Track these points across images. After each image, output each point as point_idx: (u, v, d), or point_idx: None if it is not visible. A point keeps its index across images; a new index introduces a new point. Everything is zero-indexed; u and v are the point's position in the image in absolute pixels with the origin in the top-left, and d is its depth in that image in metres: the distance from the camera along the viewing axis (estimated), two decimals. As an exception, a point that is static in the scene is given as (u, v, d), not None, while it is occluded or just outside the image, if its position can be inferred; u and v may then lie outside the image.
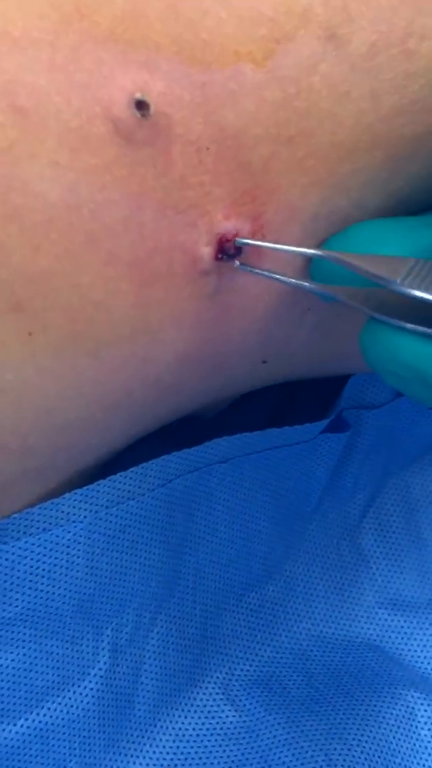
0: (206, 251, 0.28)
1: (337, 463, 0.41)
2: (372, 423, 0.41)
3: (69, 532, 0.32)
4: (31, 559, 0.32)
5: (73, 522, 0.32)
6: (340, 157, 0.28)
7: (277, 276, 0.29)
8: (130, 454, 0.35)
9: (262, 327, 0.32)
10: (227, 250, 0.29)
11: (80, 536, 0.33)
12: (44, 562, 0.32)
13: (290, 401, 0.42)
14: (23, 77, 0.24)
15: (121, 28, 0.25)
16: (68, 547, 0.32)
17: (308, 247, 0.29)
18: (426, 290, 0.25)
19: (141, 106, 0.25)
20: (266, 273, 0.29)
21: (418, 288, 0.25)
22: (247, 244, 0.28)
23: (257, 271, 0.29)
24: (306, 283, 0.28)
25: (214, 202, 0.28)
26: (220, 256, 0.29)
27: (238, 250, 0.29)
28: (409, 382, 0.27)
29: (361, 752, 0.37)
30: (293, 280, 0.28)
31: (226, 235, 0.28)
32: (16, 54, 0.24)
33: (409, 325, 0.26)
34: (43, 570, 0.32)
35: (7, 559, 0.31)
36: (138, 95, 0.25)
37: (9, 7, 0.24)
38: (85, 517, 0.33)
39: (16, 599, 0.32)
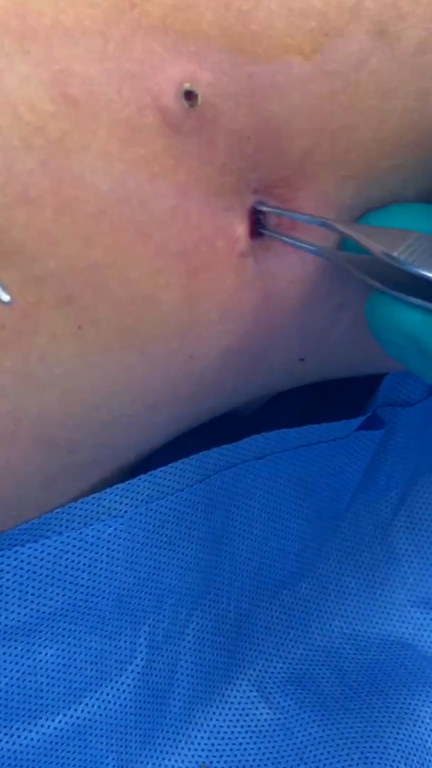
0: (241, 229, 0.29)
1: (370, 461, 0.41)
2: (406, 421, 0.41)
3: (110, 526, 0.32)
4: (73, 554, 0.32)
5: (114, 517, 0.32)
6: (381, 153, 0.28)
7: (290, 240, 0.29)
8: (166, 450, 0.35)
9: (298, 321, 0.32)
10: (258, 224, 0.29)
11: (120, 531, 0.32)
12: (85, 557, 0.32)
13: (324, 399, 0.41)
14: (75, 67, 0.24)
15: (171, 18, 0.25)
16: (109, 542, 0.32)
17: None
18: (419, 265, 0.25)
19: (189, 96, 0.26)
20: (285, 238, 0.29)
21: (411, 262, 0.25)
22: (264, 210, 0.29)
23: (278, 236, 0.29)
24: (311, 246, 0.29)
25: (247, 185, 0.28)
26: (254, 231, 0.29)
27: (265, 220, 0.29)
28: (407, 352, 0.27)
29: (398, 750, 0.37)
30: (305, 245, 0.29)
31: (255, 207, 0.29)
32: (68, 44, 0.24)
33: (410, 298, 0.26)
34: (84, 565, 0.32)
35: (49, 554, 0.31)
36: (187, 85, 0.25)
37: None
38: (125, 512, 0.32)
39: (57, 594, 0.32)
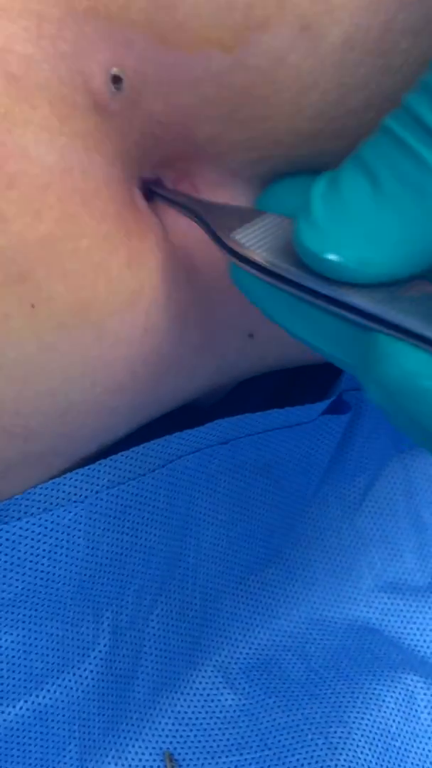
0: (139, 199, 0.30)
1: (337, 446, 0.41)
2: (373, 405, 0.41)
3: (70, 512, 0.32)
4: (32, 539, 0.31)
5: (75, 502, 0.32)
6: (296, 142, 0.29)
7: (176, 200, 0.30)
8: (129, 439, 0.35)
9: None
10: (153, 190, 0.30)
11: (81, 516, 0.32)
12: (45, 543, 0.32)
13: (289, 386, 0.41)
14: (13, 45, 0.25)
15: (101, 4, 0.25)
16: (69, 527, 0.32)
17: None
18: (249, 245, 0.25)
19: (116, 80, 0.26)
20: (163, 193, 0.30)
21: (245, 243, 0.25)
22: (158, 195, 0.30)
23: (160, 192, 0.30)
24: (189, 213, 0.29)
25: (149, 159, 0.29)
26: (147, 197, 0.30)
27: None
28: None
29: (362, 736, 0.37)
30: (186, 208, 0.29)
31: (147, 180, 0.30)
32: (6, 22, 0.25)
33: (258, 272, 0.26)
34: (44, 551, 0.32)
35: (8, 539, 0.31)
36: (114, 70, 0.26)
37: None
38: (86, 497, 0.32)
39: (17, 580, 0.31)
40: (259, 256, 0.25)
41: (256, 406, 0.40)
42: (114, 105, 0.27)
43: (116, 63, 0.26)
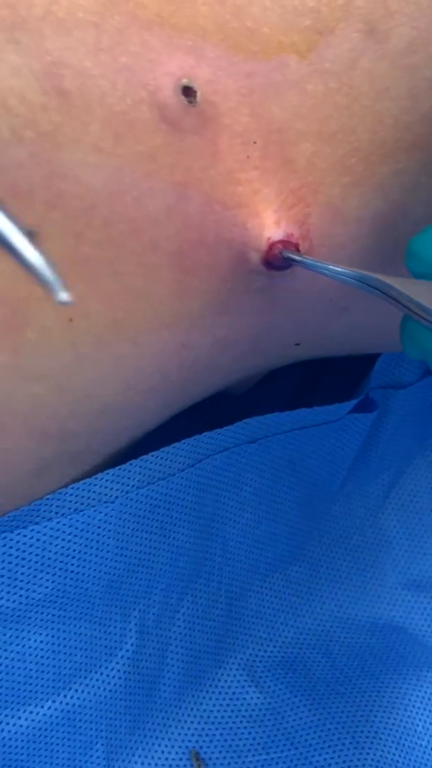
0: (255, 256, 0.28)
1: (362, 443, 0.40)
2: (399, 403, 0.41)
3: (100, 512, 0.32)
4: (63, 540, 0.31)
5: (105, 503, 0.32)
6: (380, 157, 0.28)
7: (326, 270, 0.27)
8: (159, 431, 0.35)
9: (299, 317, 0.31)
10: (274, 261, 0.28)
11: (111, 517, 0.32)
12: (76, 543, 0.31)
13: (318, 379, 0.41)
14: (68, 59, 0.23)
15: (167, 12, 0.24)
16: (99, 527, 0.32)
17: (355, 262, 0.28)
18: None
19: (188, 92, 0.25)
20: (313, 262, 0.28)
21: None
22: (293, 260, 0.27)
23: (300, 259, 0.28)
24: (350, 277, 0.27)
25: (263, 203, 0.27)
26: (268, 264, 0.28)
27: (286, 261, 0.28)
28: None
29: (388, 735, 0.37)
30: (342, 274, 0.27)
31: (276, 245, 0.28)
32: (61, 35, 0.23)
33: None
34: (74, 551, 0.31)
35: (38, 540, 0.30)
36: (185, 81, 0.25)
37: None
38: (116, 497, 0.32)
39: (47, 580, 0.31)
40: None
41: (284, 397, 0.40)
42: (188, 120, 0.25)
43: (186, 74, 0.25)
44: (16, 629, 0.31)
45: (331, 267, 0.27)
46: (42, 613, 0.32)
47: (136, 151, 0.25)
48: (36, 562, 0.31)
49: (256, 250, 0.28)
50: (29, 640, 0.32)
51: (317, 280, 0.29)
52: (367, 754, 0.36)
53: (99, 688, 0.34)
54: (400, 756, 0.36)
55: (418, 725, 0.37)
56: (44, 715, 0.33)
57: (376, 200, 0.29)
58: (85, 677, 0.33)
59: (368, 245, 0.30)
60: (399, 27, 0.26)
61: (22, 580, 0.31)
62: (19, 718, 0.32)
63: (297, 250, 0.28)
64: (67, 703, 0.33)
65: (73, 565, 0.32)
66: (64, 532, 0.31)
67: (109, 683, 0.34)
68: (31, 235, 0.20)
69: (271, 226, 0.28)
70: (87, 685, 0.34)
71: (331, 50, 0.26)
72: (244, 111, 0.26)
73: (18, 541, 0.30)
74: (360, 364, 0.40)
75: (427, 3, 0.26)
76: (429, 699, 0.38)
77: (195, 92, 0.25)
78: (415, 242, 0.27)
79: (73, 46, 0.23)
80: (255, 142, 0.26)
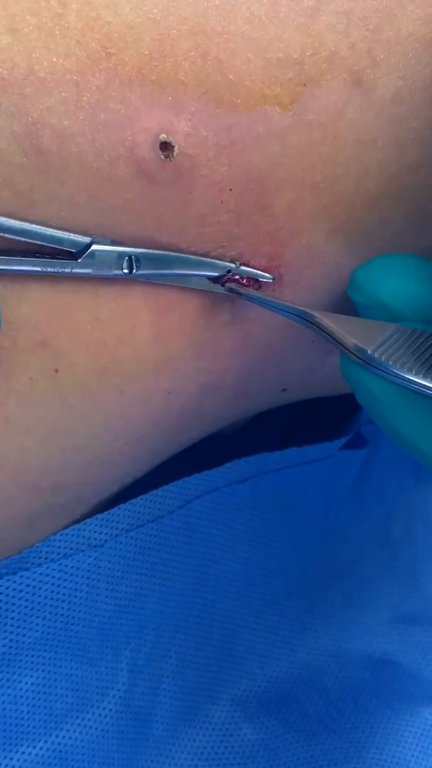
0: (219, 288, 0.29)
1: (355, 479, 0.41)
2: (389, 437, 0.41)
3: (90, 557, 0.32)
4: (52, 584, 0.31)
5: (94, 547, 0.32)
6: (366, 206, 0.28)
7: (268, 303, 0.28)
8: (148, 474, 0.35)
9: (281, 360, 0.32)
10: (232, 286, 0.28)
11: (101, 561, 0.32)
12: (65, 587, 0.32)
13: (308, 417, 0.41)
14: (47, 119, 0.24)
15: (148, 68, 0.24)
16: (89, 571, 0.32)
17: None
18: (392, 362, 0.25)
19: (165, 147, 0.25)
20: (253, 295, 0.28)
21: (382, 359, 0.25)
22: (237, 293, 0.28)
23: (244, 292, 0.28)
24: (290, 311, 0.28)
25: (232, 240, 0.28)
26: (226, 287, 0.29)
27: (253, 284, 0.28)
28: (373, 413, 0.27)
29: (380, 771, 0.37)
30: (283, 308, 0.28)
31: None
32: (42, 95, 0.24)
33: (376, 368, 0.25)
34: (64, 594, 0.32)
35: (27, 585, 0.31)
36: (163, 137, 0.25)
37: (35, 46, 0.23)
38: (105, 541, 0.32)
39: (36, 624, 0.32)
40: (405, 371, 0.25)
41: (275, 436, 0.40)
42: (164, 174, 0.25)
43: (165, 129, 0.25)
44: (7, 672, 0.32)
45: (272, 300, 0.28)
46: (32, 656, 0.32)
47: (109, 205, 0.26)
48: (26, 607, 0.31)
49: (221, 282, 0.28)
50: (20, 682, 0.32)
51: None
52: (359, 790, 0.36)
53: (91, 727, 0.34)
54: (392, 793, 0.36)
55: (410, 762, 0.37)
56: (36, 755, 0.33)
57: (359, 247, 0.29)
58: (77, 717, 0.34)
59: (344, 291, 0.30)
60: (385, 77, 0.26)
61: (12, 625, 0.31)
62: (11, 759, 0.32)
63: (256, 282, 0.28)
64: (60, 743, 0.33)
65: (63, 608, 0.32)
66: (53, 576, 0.31)
67: (101, 722, 0.34)
68: None
69: (234, 256, 0.28)
70: (79, 725, 0.34)
71: (316, 101, 0.26)
72: (222, 161, 0.26)
73: (8, 587, 0.31)
74: (351, 401, 0.40)
75: (412, 53, 0.26)
76: (422, 736, 0.38)
77: (173, 147, 0.25)
78: (358, 272, 0.28)
79: (53, 106, 0.24)
80: (231, 189, 0.27)
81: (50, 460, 0.28)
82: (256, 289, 0.29)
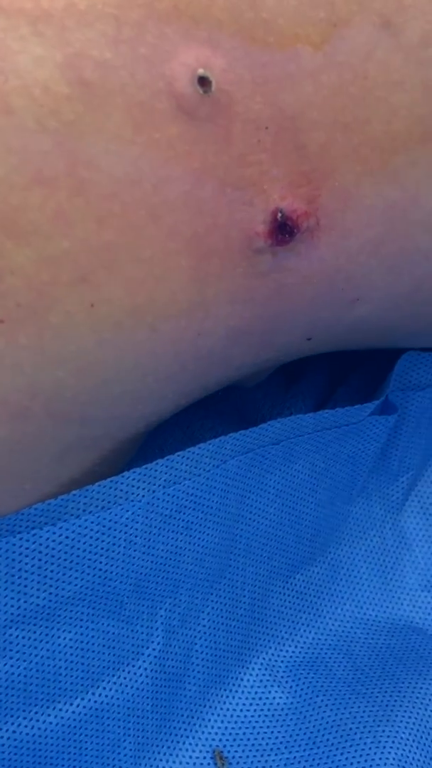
0: (261, 229, 0.29)
1: (383, 446, 0.41)
2: (417, 404, 0.41)
3: (127, 510, 0.32)
4: (91, 537, 0.32)
5: (131, 501, 0.32)
6: (394, 147, 0.29)
7: None
8: (180, 429, 0.35)
9: (309, 308, 0.32)
10: (282, 230, 0.29)
11: (138, 515, 0.32)
12: (103, 541, 0.32)
13: (337, 381, 0.42)
14: (89, 50, 0.24)
15: (184, 4, 0.25)
16: (126, 525, 0.32)
17: None
18: None
19: (203, 82, 0.26)
20: None
21: None
22: None
23: None
24: None
25: (270, 182, 0.28)
26: (274, 235, 0.29)
27: (292, 230, 0.29)
28: None
29: (409, 734, 0.37)
30: None
31: (282, 212, 0.29)
32: (82, 27, 0.24)
33: None
34: (102, 549, 0.32)
35: (67, 537, 0.31)
36: (201, 71, 0.26)
37: None
38: (143, 496, 0.32)
39: (76, 578, 0.32)
40: None
41: (304, 399, 0.40)
42: (203, 109, 0.26)
43: (202, 64, 0.25)
44: (46, 627, 0.32)
45: None
46: (71, 611, 0.32)
47: (154, 139, 0.26)
48: (65, 560, 0.31)
49: (262, 223, 0.28)
50: (59, 638, 0.32)
51: (324, 265, 0.29)
52: (389, 753, 0.36)
53: (126, 686, 0.34)
54: (420, 754, 0.37)
55: (439, 724, 0.37)
56: (73, 712, 0.33)
57: (388, 189, 0.30)
58: (113, 675, 0.34)
59: (378, 233, 0.30)
60: (413, 20, 0.27)
61: (51, 578, 0.31)
62: (49, 715, 0.32)
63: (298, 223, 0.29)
64: (96, 701, 0.33)
65: (101, 563, 0.32)
66: (91, 529, 0.31)
67: (136, 681, 0.34)
68: None
69: (276, 200, 0.28)
70: (115, 683, 0.34)
71: (346, 42, 0.27)
72: (257, 99, 0.27)
73: (47, 538, 0.31)
74: (380, 367, 0.40)
75: None
76: (450, 698, 0.38)
77: (210, 82, 0.26)
78: None
79: (94, 38, 0.24)
80: (267, 128, 0.27)
81: (82, 392, 0.29)
82: (295, 236, 0.29)
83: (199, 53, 0.26)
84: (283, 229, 0.29)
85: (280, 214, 0.29)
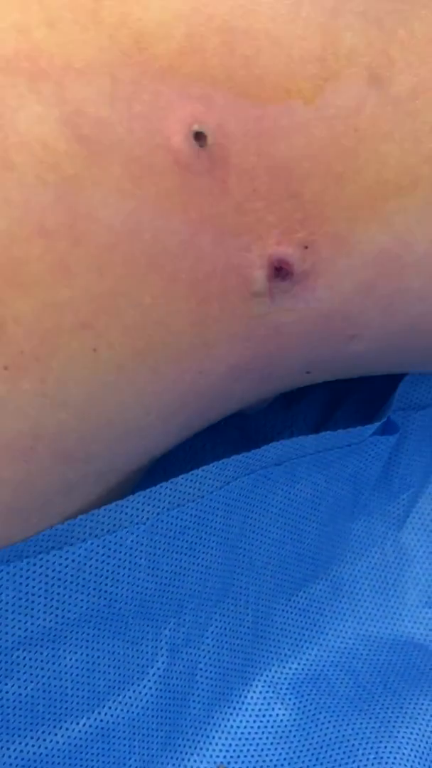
0: (259, 274, 0.29)
1: (384, 465, 0.41)
2: (418, 423, 0.42)
3: (132, 533, 0.33)
4: (97, 560, 0.32)
5: (136, 524, 0.33)
6: (384, 195, 0.30)
7: None
8: (183, 453, 0.36)
9: (308, 346, 0.33)
10: (278, 275, 0.29)
11: (143, 538, 0.33)
12: (109, 564, 0.32)
13: (338, 403, 0.42)
14: (87, 108, 0.25)
15: (178, 62, 0.26)
16: (131, 548, 0.33)
17: None
18: None
19: (199, 137, 0.27)
20: None
21: None
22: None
23: None
24: None
25: (267, 228, 0.29)
26: (271, 279, 0.30)
27: (289, 275, 0.29)
28: None
29: (411, 749, 0.37)
30: None
31: (279, 258, 0.29)
32: (80, 85, 0.25)
33: None
34: (108, 571, 0.32)
35: (73, 561, 0.31)
36: (196, 127, 0.26)
37: (72, 40, 0.25)
38: (147, 518, 0.33)
39: (82, 600, 0.32)
40: None
41: (306, 424, 0.41)
42: (199, 163, 0.27)
43: (197, 120, 0.26)
44: (53, 648, 0.32)
45: None
46: (77, 633, 0.33)
47: (152, 193, 0.27)
48: (72, 583, 0.32)
49: (259, 268, 0.29)
50: (65, 659, 0.33)
51: (320, 306, 0.30)
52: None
53: (132, 705, 0.35)
54: (423, 770, 0.37)
55: (440, 740, 0.38)
56: (80, 731, 0.33)
57: (380, 235, 0.30)
58: (119, 695, 0.34)
59: (372, 276, 0.31)
60: (400, 75, 0.28)
61: (58, 600, 0.32)
62: (56, 734, 0.33)
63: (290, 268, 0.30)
64: (102, 720, 0.34)
65: (106, 585, 0.33)
66: (97, 552, 0.32)
67: (141, 700, 0.35)
68: None
69: (273, 246, 0.29)
70: (120, 702, 0.35)
71: (337, 96, 0.28)
72: (252, 151, 0.27)
73: (54, 562, 0.31)
74: (382, 387, 0.41)
75: (426, 52, 0.28)
76: (451, 714, 0.39)
77: (205, 137, 0.27)
78: None
79: (91, 96, 0.25)
80: (262, 178, 0.28)
81: (85, 432, 0.29)
82: (291, 279, 0.30)
83: (194, 109, 0.26)
84: (280, 274, 0.29)
85: (276, 260, 0.29)
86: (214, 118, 0.27)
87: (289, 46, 0.27)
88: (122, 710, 0.34)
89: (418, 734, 0.38)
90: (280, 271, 0.29)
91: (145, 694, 0.35)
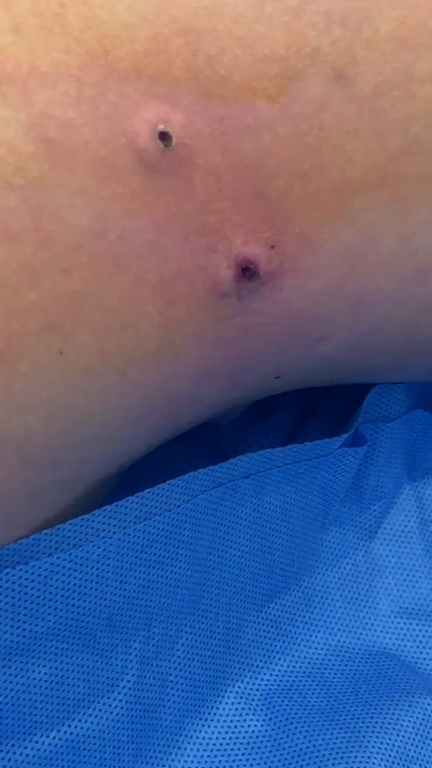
0: (226, 274, 0.30)
1: (354, 476, 0.42)
2: (387, 436, 0.42)
3: (99, 547, 0.33)
4: (63, 575, 0.32)
5: (103, 538, 0.33)
6: (350, 193, 0.30)
7: None
8: (153, 464, 0.36)
9: (276, 348, 0.33)
10: (245, 275, 0.30)
11: (110, 551, 0.33)
12: (75, 577, 0.33)
13: (308, 417, 0.42)
14: (52, 111, 0.26)
15: (143, 63, 0.26)
16: (98, 562, 0.33)
17: None
18: None
19: (164, 137, 0.27)
20: None
21: None
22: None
23: None
24: None
25: (233, 228, 0.29)
26: (238, 279, 0.30)
27: (256, 275, 0.30)
28: None
29: (381, 759, 0.38)
30: None
31: (246, 257, 0.30)
32: (45, 88, 0.26)
33: None
34: (74, 585, 0.33)
35: (39, 575, 0.32)
36: (161, 127, 0.27)
37: (37, 43, 0.25)
38: (114, 532, 0.33)
39: (49, 614, 0.32)
40: None
41: (276, 437, 0.41)
42: (164, 162, 0.27)
43: (162, 120, 0.27)
44: (21, 662, 0.33)
45: None
46: (45, 647, 0.33)
47: (117, 193, 0.27)
48: (38, 597, 0.32)
49: (227, 268, 0.30)
50: (33, 672, 0.33)
51: (288, 306, 0.30)
52: (362, 778, 0.37)
53: (102, 717, 0.35)
54: (393, 780, 0.37)
55: (410, 750, 0.38)
56: (49, 744, 0.34)
57: (346, 233, 0.31)
58: (89, 707, 0.35)
59: (339, 276, 0.31)
60: (364, 73, 0.28)
61: (24, 614, 0.32)
62: (26, 748, 0.33)
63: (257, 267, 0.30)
64: (72, 733, 0.34)
65: (74, 599, 0.33)
66: (64, 567, 0.32)
67: (112, 713, 0.35)
68: None
69: (239, 246, 0.30)
70: (90, 714, 0.35)
71: (301, 95, 0.28)
72: (217, 151, 0.28)
73: (20, 577, 0.31)
74: (348, 398, 0.41)
75: (390, 51, 0.28)
76: (420, 724, 0.39)
77: (170, 137, 0.27)
78: None
79: (56, 99, 0.26)
80: (227, 177, 0.28)
81: (52, 436, 0.30)
82: (258, 280, 0.30)
83: (159, 110, 0.27)
84: (246, 274, 0.30)
85: (242, 259, 0.30)
86: (179, 117, 0.27)
87: (253, 46, 0.27)
88: (93, 723, 0.35)
89: (388, 744, 0.38)
90: (246, 271, 0.30)
91: (116, 706, 0.35)
